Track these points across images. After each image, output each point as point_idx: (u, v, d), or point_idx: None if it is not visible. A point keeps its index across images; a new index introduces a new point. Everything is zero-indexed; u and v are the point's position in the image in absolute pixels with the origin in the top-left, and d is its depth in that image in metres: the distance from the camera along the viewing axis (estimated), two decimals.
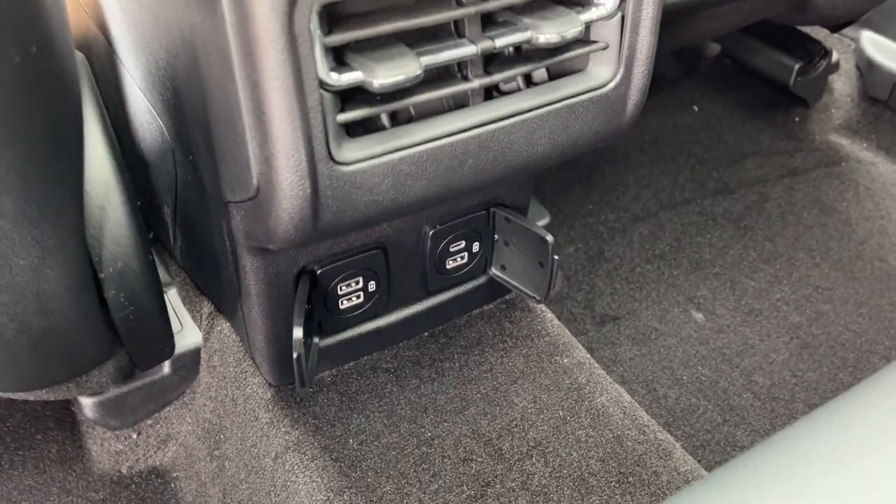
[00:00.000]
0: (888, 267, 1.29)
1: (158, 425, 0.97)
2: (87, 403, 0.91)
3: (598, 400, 0.86)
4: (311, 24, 0.52)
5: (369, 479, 0.78)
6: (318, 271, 0.78)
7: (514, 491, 0.78)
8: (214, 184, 0.67)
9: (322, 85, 0.55)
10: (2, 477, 0.95)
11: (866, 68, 1.54)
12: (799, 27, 1.55)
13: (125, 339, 0.71)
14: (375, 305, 0.85)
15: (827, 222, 1.38)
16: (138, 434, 0.97)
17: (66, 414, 1.02)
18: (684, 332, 1.19)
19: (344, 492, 0.77)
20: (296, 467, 0.79)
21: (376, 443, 0.82)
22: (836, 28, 1.54)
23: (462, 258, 0.88)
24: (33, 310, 0.60)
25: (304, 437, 0.81)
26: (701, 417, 1.06)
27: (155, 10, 0.63)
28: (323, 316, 0.82)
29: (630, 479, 0.80)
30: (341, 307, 0.82)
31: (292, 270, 0.76)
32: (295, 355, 0.73)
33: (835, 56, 1.55)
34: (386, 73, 0.54)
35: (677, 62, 1.70)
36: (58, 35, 0.56)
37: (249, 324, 0.80)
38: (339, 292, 0.81)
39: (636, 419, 0.85)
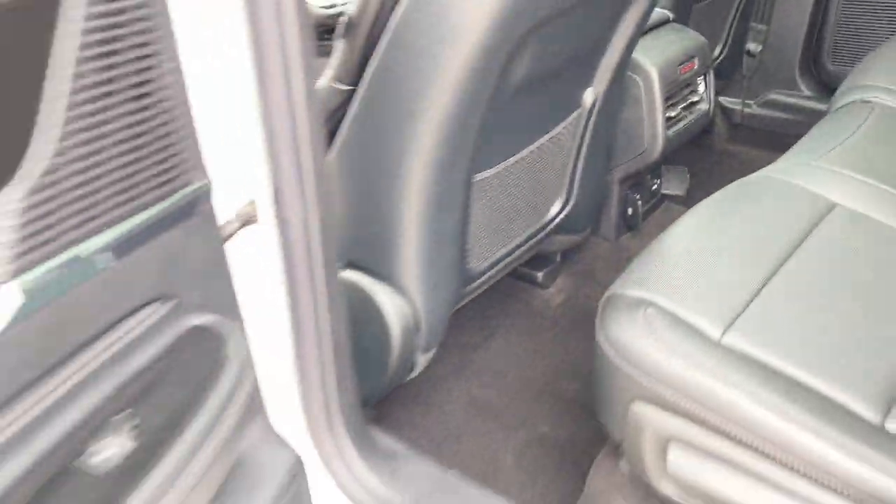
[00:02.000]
0: None
1: None
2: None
3: None
4: None
5: None
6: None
7: None
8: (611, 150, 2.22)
9: None
10: (502, 331, 2.32)
11: (724, 112, 3.33)
12: None
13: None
14: (643, 202, 2.40)
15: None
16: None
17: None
18: None
19: None
20: None
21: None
22: None
23: (655, 185, 2.47)
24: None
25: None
26: None
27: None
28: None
29: None
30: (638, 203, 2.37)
31: (627, 182, 2.31)
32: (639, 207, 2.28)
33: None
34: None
35: None
36: None
37: (606, 208, 2.33)
38: (633, 194, 2.36)
39: None
